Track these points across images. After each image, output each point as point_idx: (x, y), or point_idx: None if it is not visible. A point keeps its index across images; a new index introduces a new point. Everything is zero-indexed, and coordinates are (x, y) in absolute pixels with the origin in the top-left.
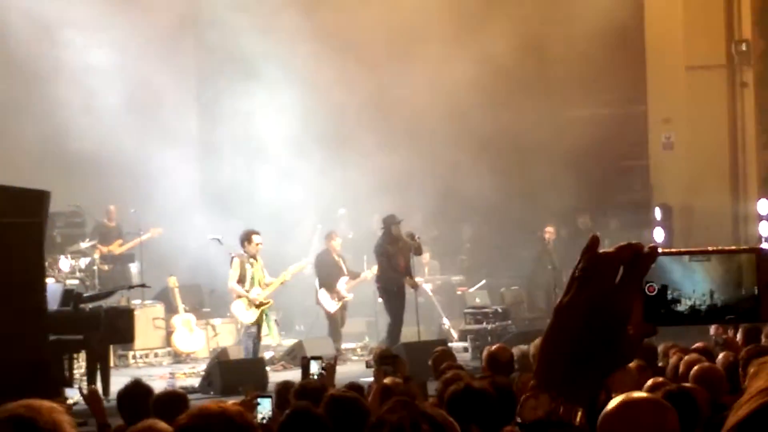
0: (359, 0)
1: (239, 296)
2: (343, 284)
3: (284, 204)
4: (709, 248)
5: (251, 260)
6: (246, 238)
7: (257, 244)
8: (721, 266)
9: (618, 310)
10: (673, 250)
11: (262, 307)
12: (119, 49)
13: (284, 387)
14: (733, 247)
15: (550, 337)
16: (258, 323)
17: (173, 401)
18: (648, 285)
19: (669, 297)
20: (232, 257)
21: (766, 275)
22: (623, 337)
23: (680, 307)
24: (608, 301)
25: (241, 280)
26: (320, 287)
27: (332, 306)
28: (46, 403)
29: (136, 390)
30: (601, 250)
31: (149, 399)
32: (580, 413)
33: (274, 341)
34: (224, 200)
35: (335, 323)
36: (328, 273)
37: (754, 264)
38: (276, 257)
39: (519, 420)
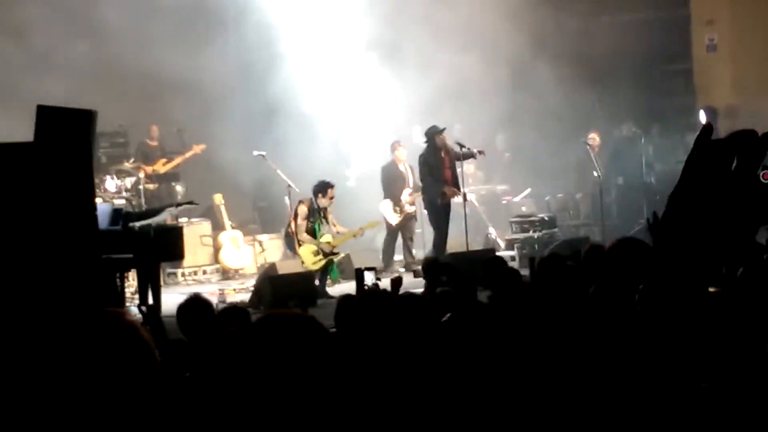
0: None
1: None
2: (405, 196)
3: (328, 117)
4: None
5: (317, 213)
6: (321, 190)
7: (332, 198)
8: None
9: (735, 198)
10: None
11: (329, 257)
12: None
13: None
14: None
15: (666, 225)
16: (323, 269)
17: (236, 315)
18: (763, 172)
19: None
20: (299, 203)
21: None
22: (740, 224)
23: None
24: (724, 187)
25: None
26: (385, 198)
27: (394, 218)
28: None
29: (196, 304)
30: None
31: (209, 312)
32: None
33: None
34: (268, 115)
35: (393, 236)
36: (391, 184)
37: None
38: (317, 172)
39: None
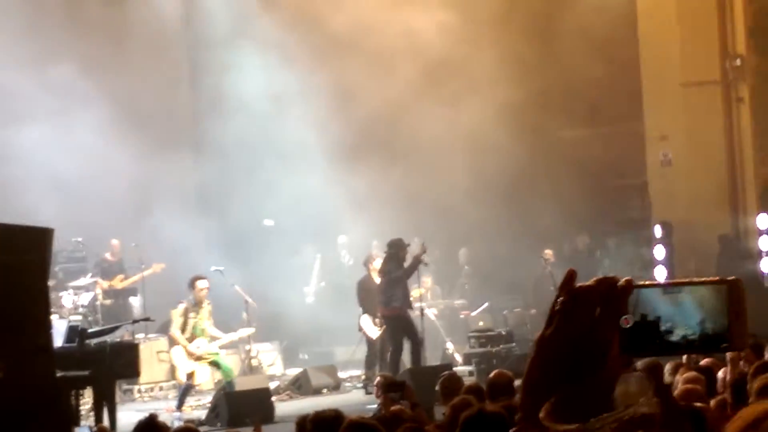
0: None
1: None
2: None
3: (285, 232)
4: (683, 279)
5: (195, 308)
6: (190, 283)
7: (201, 290)
8: (710, 295)
9: (598, 344)
10: (647, 282)
11: (201, 361)
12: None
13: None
14: (705, 278)
15: (534, 371)
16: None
17: None
18: (623, 318)
19: (662, 328)
20: (179, 303)
21: (736, 305)
22: (604, 369)
23: (673, 338)
24: (588, 334)
25: (183, 328)
26: (363, 313)
27: (374, 332)
28: None
29: (152, 426)
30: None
31: None
32: None
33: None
34: (226, 232)
35: (374, 350)
36: (370, 298)
37: (726, 294)
38: (276, 286)
39: None
